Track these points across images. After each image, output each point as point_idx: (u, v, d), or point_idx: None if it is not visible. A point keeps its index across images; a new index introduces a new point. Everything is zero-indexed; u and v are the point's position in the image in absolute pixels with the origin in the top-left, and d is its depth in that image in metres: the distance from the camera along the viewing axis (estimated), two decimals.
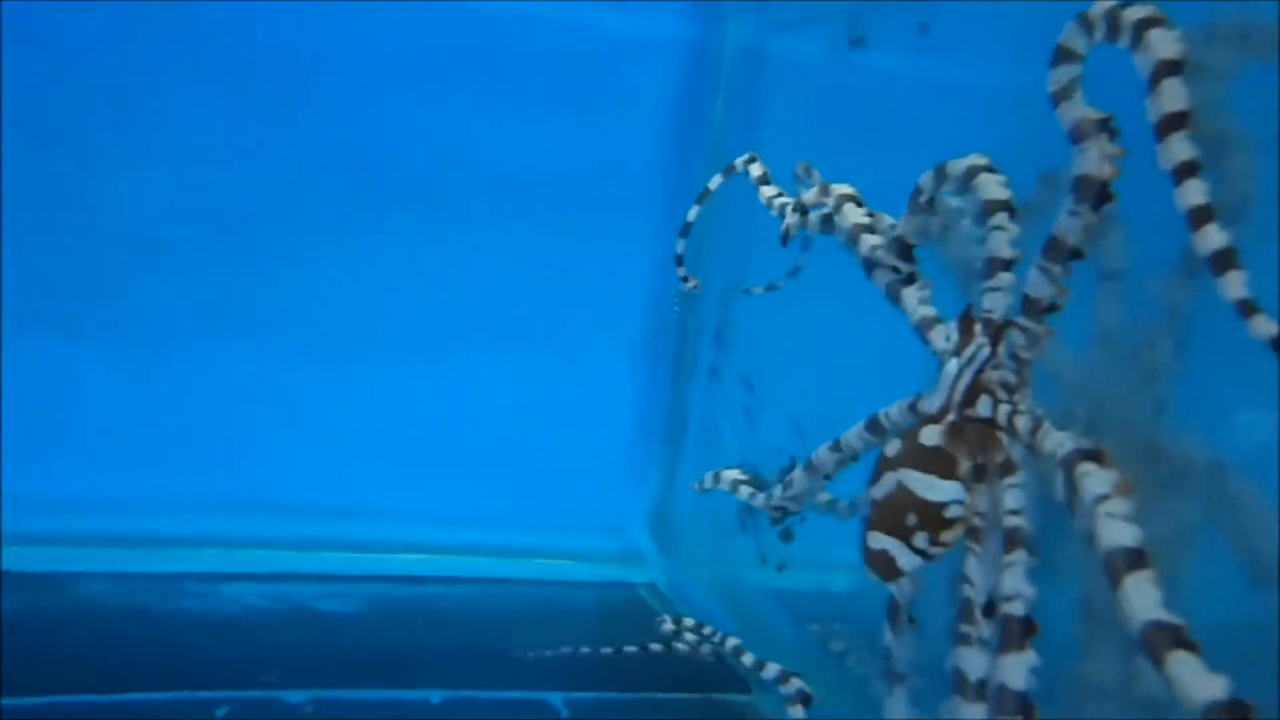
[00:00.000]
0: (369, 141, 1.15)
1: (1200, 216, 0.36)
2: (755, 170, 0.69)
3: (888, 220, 0.58)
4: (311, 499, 1.10)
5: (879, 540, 0.50)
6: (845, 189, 0.60)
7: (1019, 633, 0.42)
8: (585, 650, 0.81)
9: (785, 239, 0.66)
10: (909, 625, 0.56)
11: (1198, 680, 0.30)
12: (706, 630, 0.87)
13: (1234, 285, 0.35)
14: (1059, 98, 0.43)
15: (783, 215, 0.64)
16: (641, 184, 1.26)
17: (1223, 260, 0.35)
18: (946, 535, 0.49)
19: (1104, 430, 0.50)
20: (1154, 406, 0.50)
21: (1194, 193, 0.36)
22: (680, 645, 0.81)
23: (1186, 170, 0.37)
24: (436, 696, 0.77)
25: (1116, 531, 0.36)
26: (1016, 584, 0.43)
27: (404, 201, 1.15)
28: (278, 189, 1.12)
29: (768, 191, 0.67)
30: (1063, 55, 0.43)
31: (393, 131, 1.15)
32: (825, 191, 0.60)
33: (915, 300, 0.56)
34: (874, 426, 0.58)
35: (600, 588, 1.09)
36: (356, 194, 1.14)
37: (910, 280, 0.56)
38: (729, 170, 0.73)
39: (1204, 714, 0.30)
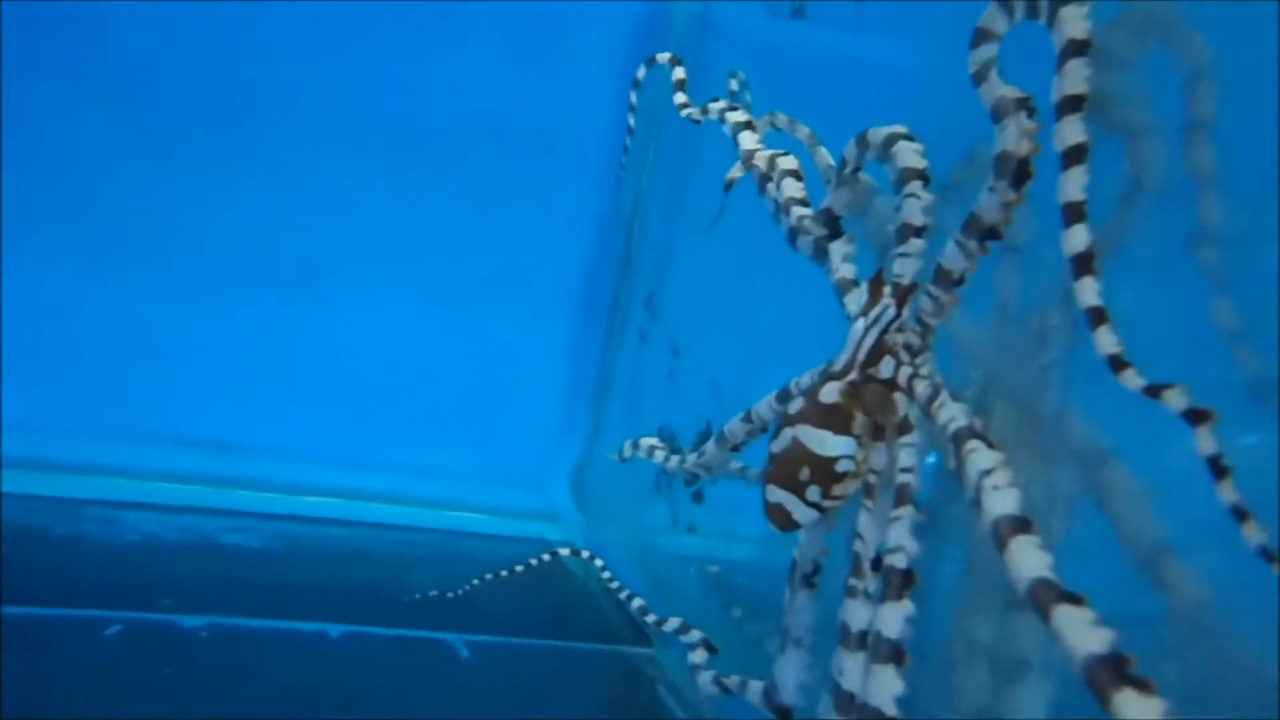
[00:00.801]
0: (310, 80, 1.13)
1: (1073, 213, 0.37)
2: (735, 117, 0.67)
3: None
4: (225, 435, 1.09)
5: (775, 493, 0.52)
6: (790, 163, 0.61)
7: (899, 584, 0.43)
8: (481, 580, 0.82)
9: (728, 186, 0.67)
10: (808, 589, 0.57)
11: (1082, 633, 0.31)
12: (614, 585, 0.88)
13: (1087, 291, 0.36)
14: (979, 78, 0.44)
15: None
16: (585, 146, 1.26)
17: (1082, 263, 0.37)
18: (838, 489, 0.50)
19: (994, 395, 0.52)
20: (1041, 375, 0.51)
21: (1073, 186, 0.37)
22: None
23: (1074, 156, 0.38)
24: (335, 630, 0.78)
25: (1001, 501, 0.37)
26: (901, 538, 0.45)
27: (339, 141, 1.14)
28: (201, 121, 1.10)
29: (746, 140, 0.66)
30: (982, 36, 0.44)
31: (333, 71, 1.13)
32: (772, 165, 0.61)
33: (840, 256, 0.57)
34: (784, 396, 0.59)
35: (517, 542, 1.09)
36: (288, 130, 1.12)
37: (837, 235, 0.57)
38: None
39: (1085, 666, 0.31)
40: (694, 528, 0.98)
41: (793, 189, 0.60)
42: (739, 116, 0.65)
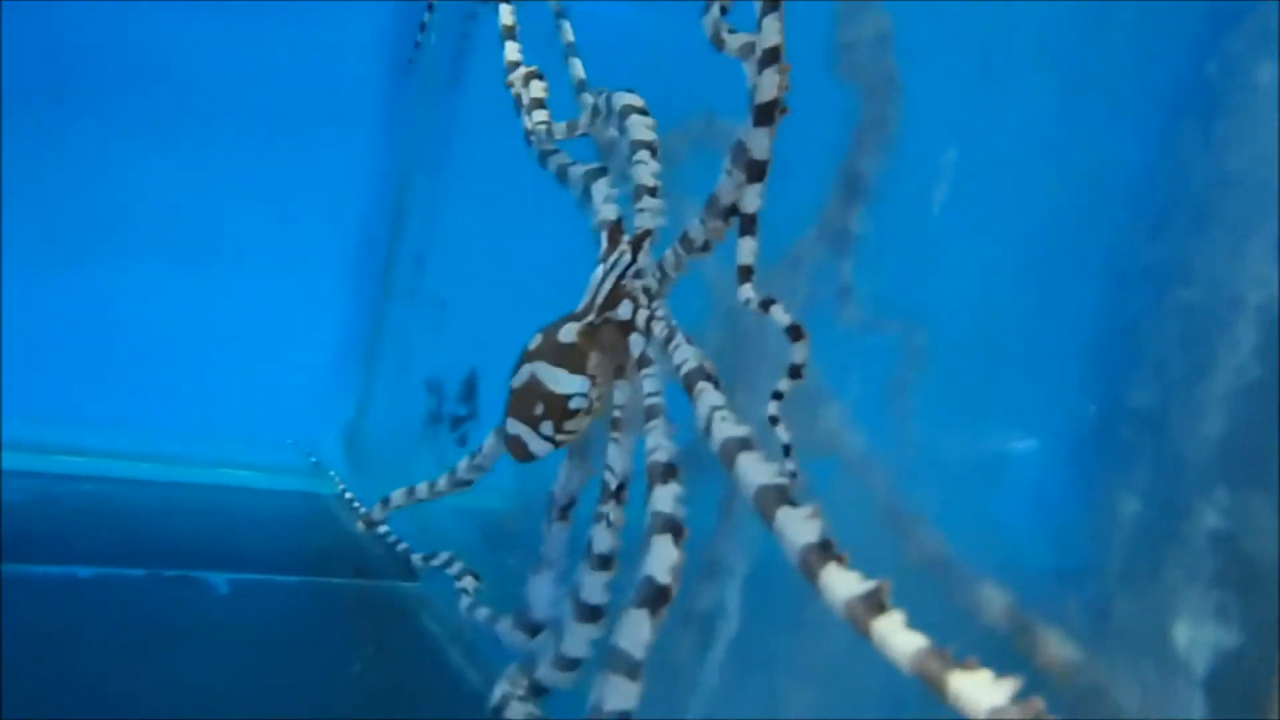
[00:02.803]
0: (69, 43, 1.10)
1: (755, 171, 0.42)
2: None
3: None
4: None
5: (514, 426, 0.54)
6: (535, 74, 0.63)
7: (663, 472, 0.46)
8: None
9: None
10: (562, 520, 0.59)
11: (798, 528, 0.35)
12: (382, 530, 0.90)
13: (744, 251, 0.42)
14: (716, 42, 0.45)
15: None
16: (356, 106, 1.27)
17: (748, 224, 0.42)
18: (570, 424, 0.53)
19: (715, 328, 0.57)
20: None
21: (759, 145, 0.41)
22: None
23: (763, 114, 0.41)
24: (85, 572, 0.77)
25: (727, 428, 0.42)
26: (659, 440, 0.47)
27: (102, 105, 1.12)
28: None
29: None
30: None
31: (96, 33, 1.11)
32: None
33: (602, 197, 0.58)
34: None
35: (288, 497, 1.11)
36: (49, 92, 1.09)
37: (603, 172, 0.59)
38: None
39: (800, 556, 0.35)
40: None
41: (537, 90, 0.63)
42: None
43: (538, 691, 0.61)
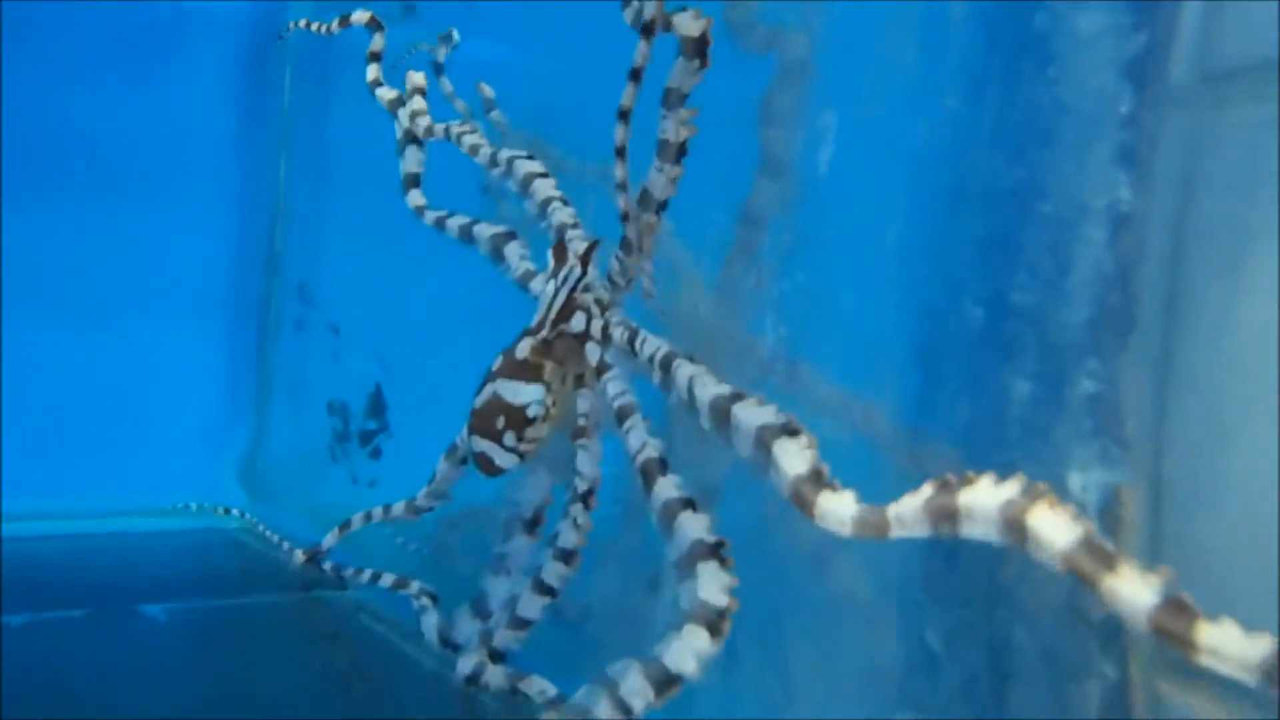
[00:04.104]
0: None
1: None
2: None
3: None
4: None
5: (479, 443, 0.58)
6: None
7: (658, 467, 0.51)
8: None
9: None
10: (528, 535, 0.65)
11: (793, 458, 0.41)
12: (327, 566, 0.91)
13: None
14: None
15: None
16: (215, 153, 1.29)
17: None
18: (530, 432, 0.56)
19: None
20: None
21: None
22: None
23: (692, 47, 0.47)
24: (18, 620, 0.78)
25: (710, 387, 0.47)
26: (642, 437, 0.52)
27: None
28: None
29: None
30: None
31: None
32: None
33: (517, 257, 0.64)
34: None
35: (195, 535, 1.11)
36: None
37: (513, 236, 0.65)
38: None
39: (792, 486, 0.40)
40: (375, 482, 1.05)
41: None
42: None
43: (496, 657, 0.66)
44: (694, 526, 0.47)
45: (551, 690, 0.64)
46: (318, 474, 1.12)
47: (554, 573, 0.59)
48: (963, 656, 0.51)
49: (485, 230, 0.67)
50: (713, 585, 0.45)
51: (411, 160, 0.72)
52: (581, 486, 0.56)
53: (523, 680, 0.65)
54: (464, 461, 0.69)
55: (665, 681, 0.44)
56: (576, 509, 0.56)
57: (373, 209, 1.12)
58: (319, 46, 1.27)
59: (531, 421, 0.56)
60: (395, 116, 0.69)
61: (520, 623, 0.63)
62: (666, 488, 0.49)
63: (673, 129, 0.50)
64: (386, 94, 0.72)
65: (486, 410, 0.57)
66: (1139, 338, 0.47)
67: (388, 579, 0.82)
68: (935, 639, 0.52)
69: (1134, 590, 0.30)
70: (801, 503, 0.40)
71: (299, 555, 0.91)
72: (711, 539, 0.46)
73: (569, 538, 0.57)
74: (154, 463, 1.21)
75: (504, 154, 0.64)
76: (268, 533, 1.04)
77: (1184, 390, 0.45)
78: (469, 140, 0.67)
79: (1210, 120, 0.46)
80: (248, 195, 1.31)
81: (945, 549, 0.53)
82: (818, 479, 0.41)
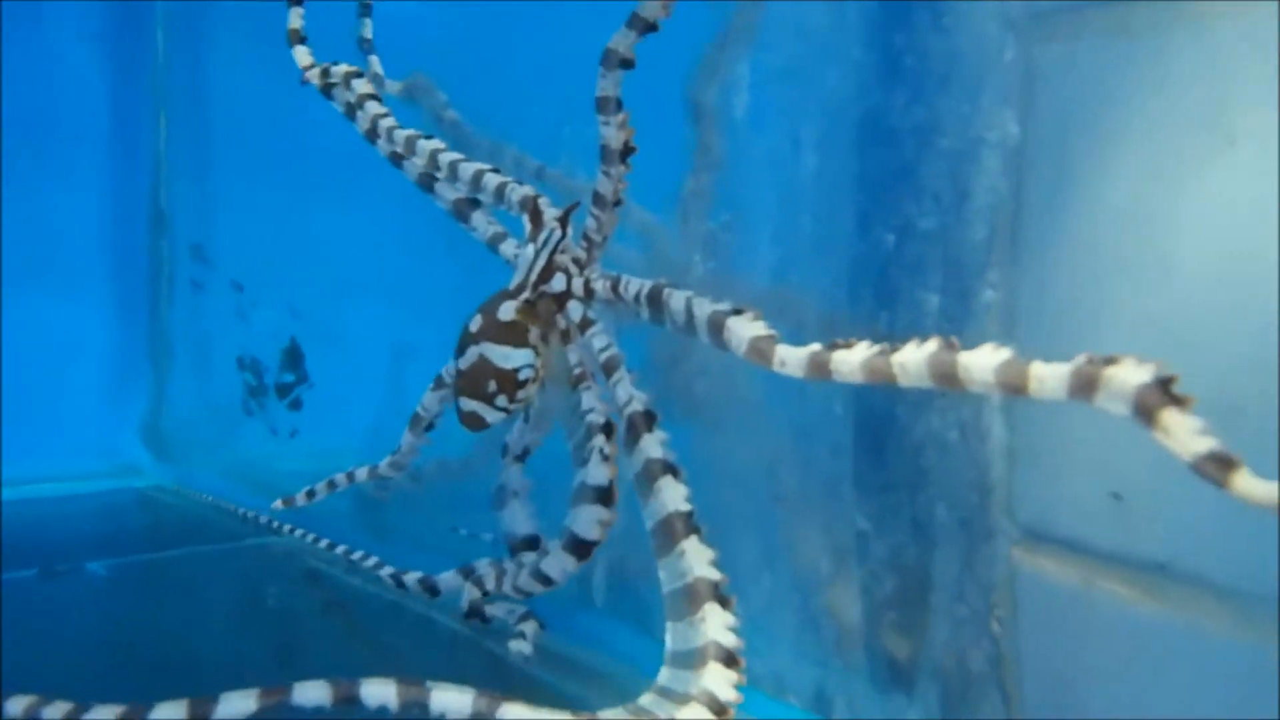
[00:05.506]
0: None
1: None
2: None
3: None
4: None
5: (468, 404, 0.59)
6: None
7: (644, 421, 0.53)
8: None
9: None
10: (517, 462, 0.67)
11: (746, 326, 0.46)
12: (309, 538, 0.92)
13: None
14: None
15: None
16: (87, 117, 1.27)
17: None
18: (522, 394, 0.58)
19: None
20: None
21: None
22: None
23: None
24: None
25: (705, 306, 0.49)
26: (629, 392, 0.54)
27: None
28: None
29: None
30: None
31: None
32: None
33: (484, 223, 0.66)
34: (439, 383, 0.69)
35: (104, 496, 1.12)
36: None
37: (476, 204, 0.66)
38: None
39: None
40: (296, 432, 1.07)
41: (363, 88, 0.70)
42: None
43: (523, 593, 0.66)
44: (672, 496, 0.49)
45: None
46: (230, 429, 1.14)
47: (589, 520, 0.57)
48: (889, 533, 0.58)
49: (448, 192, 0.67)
50: (702, 552, 0.48)
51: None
52: (599, 420, 0.56)
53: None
54: (429, 428, 0.71)
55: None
56: (599, 441, 0.56)
57: (262, 165, 1.14)
58: (190, 12, 1.27)
59: (524, 384, 0.58)
60: (354, 119, 0.69)
61: (545, 579, 0.62)
62: (651, 445, 0.52)
63: (611, 86, 0.53)
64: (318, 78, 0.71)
65: (475, 373, 0.58)
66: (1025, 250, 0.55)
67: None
68: (864, 521, 0.60)
69: (1049, 372, 0.35)
70: (761, 356, 0.44)
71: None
72: (686, 507, 0.49)
73: (600, 474, 0.56)
74: (54, 429, 1.21)
75: (445, 158, 0.65)
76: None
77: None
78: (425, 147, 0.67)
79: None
80: (125, 155, 1.31)
81: (870, 449, 0.61)
82: (772, 339, 0.45)
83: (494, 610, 0.71)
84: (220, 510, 1.03)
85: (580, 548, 0.57)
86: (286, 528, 0.92)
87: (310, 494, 0.82)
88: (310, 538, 0.88)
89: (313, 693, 0.36)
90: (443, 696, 0.36)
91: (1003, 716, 0.54)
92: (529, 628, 0.69)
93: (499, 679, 0.65)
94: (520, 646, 0.67)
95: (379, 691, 0.36)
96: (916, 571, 0.57)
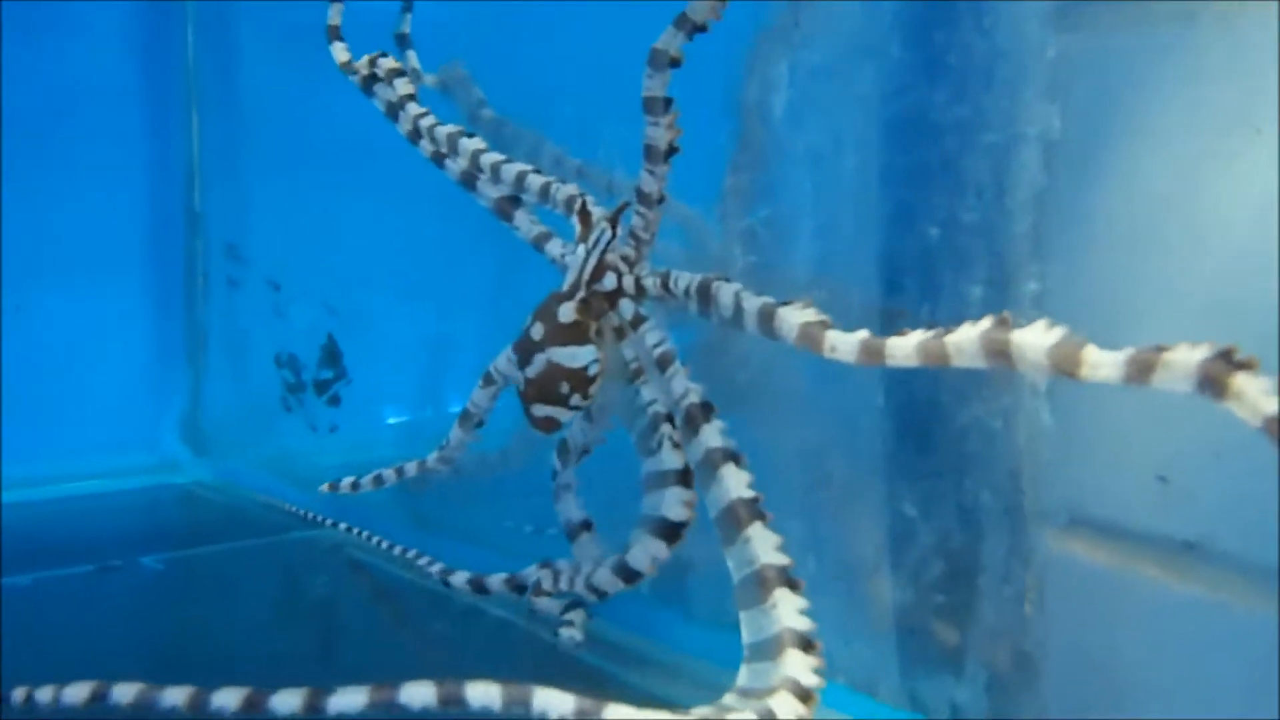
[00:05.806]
0: None
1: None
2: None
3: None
4: None
5: (542, 409, 0.60)
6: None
7: (702, 412, 0.54)
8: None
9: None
10: (576, 461, 0.69)
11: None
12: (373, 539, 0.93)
13: None
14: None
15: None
16: (120, 118, 1.29)
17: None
18: (593, 389, 0.60)
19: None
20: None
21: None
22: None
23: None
24: (26, 580, 0.81)
25: (754, 301, 0.51)
26: (684, 385, 0.56)
27: None
28: None
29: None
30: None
31: None
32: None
33: (528, 223, 0.68)
34: (489, 379, 0.71)
35: (147, 492, 1.14)
36: None
37: (519, 202, 0.67)
38: None
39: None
40: (336, 427, 1.09)
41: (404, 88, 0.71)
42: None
43: (598, 594, 0.65)
44: (735, 483, 0.51)
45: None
46: (269, 426, 1.16)
47: (675, 501, 0.57)
48: (935, 520, 0.60)
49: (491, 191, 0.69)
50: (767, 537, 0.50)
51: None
52: (663, 410, 0.58)
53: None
54: (479, 425, 0.73)
55: None
56: (666, 429, 0.57)
57: (294, 163, 1.16)
58: (219, 7, 1.29)
59: (594, 379, 0.59)
60: (395, 119, 0.70)
61: (630, 574, 0.62)
62: (711, 435, 0.53)
63: (659, 86, 0.54)
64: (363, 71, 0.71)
65: (546, 379, 0.59)
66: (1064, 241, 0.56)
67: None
68: (911, 508, 0.61)
69: (1105, 358, 0.36)
70: (812, 341, 0.45)
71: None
72: (750, 494, 0.51)
73: (674, 459, 0.57)
74: (95, 426, 1.23)
75: (487, 160, 0.66)
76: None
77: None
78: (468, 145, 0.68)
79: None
80: (159, 156, 1.32)
81: (915, 436, 0.62)
82: (823, 324, 0.46)
83: (541, 603, 0.72)
84: (263, 505, 1.05)
85: (670, 530, 0.58)
86: (329, 521, 0.93)
87: (355, 485, 0.84)
88: (356, 531, 0.90)
89: (419, 693, 0.37)
90: (545, 697, 0.37)
91: (1049, 699, 0.56)
92: (577, 615, 0.70)
93: (551, 666, 0.67)
94: (571, 634, 0.69)
95: (483, 692, 0.37)
96: (963, 556, 0.59)
